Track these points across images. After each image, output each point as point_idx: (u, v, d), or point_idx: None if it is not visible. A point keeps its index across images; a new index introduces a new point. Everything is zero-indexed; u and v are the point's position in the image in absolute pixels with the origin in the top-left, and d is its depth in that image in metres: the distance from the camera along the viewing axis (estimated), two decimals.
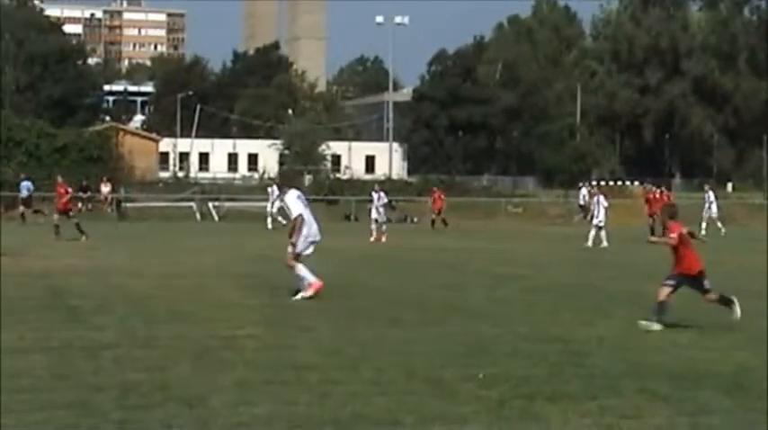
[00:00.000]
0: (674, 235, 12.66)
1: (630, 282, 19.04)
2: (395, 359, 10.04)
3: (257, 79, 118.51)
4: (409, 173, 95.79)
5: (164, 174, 76.63)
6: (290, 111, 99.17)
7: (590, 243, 32.26)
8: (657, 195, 44.46)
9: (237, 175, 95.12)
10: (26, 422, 7.34)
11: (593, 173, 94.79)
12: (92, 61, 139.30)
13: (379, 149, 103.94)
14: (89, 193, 56.25)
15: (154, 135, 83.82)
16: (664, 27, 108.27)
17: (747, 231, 44.34)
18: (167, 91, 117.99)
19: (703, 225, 42.63)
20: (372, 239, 34.11)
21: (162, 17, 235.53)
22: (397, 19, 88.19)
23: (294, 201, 15.60)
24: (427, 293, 16.68)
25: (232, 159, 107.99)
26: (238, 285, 17.22)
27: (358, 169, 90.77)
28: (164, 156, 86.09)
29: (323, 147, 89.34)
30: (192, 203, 57.10)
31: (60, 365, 9.47)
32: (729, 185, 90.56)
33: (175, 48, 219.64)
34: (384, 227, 36.00)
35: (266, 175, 70.26)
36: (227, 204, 57.50)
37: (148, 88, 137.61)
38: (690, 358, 10.44)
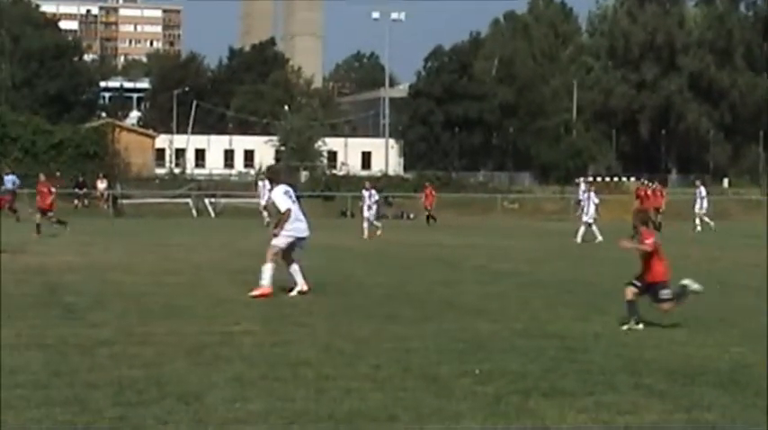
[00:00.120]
0: (649, 241, 12.57)
1: (626, 278, 18.96)
2: (391, 355, 10.04)
3: (253, 76, 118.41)
4: (405, 169, 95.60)
5: (160, 171, 76.62)
6: (286, 108, 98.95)
7: (578, 239, 32.25)
8: (649, 191, 44.52)
9: (234, 172, 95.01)
10: (23, 418, 7.34)
11: (590, 169, 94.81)
12: (88, 58, 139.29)
13: (376, 145, 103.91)
14: (85, 190, 56.26)
15: (150, 131, 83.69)
16: (660, 23, 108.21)
17: (743, 227, 44.31)
18: (163, 87, 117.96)
19: (697, 221, 42.70)
20: (365, 236, 34.07)
21: (158, 13, 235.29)
22: (394, 15, 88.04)
23: (281, 197, 15.64)
24: (423, 289, 16.67)
25: (228, 155, 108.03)
26: (234, 281, 17.19)
27: (354, 165, 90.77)
28: (160, 153, 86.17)
29: (319, 143, 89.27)
30: (188, 200, 57.13)
31: (56, 362, 9.46)
32: (726, 181, 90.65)
33: (171, 44, 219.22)
34: (378, 223, 36.00)
35: (262, 172, 70.19)
36: (224, 200, 57.52)
37: (144, 85, 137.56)
38: (686, 354, 10.45)
